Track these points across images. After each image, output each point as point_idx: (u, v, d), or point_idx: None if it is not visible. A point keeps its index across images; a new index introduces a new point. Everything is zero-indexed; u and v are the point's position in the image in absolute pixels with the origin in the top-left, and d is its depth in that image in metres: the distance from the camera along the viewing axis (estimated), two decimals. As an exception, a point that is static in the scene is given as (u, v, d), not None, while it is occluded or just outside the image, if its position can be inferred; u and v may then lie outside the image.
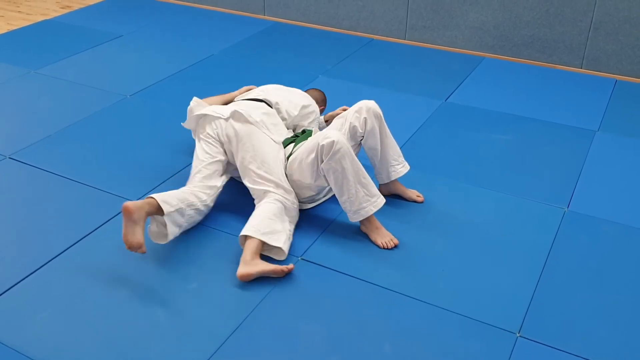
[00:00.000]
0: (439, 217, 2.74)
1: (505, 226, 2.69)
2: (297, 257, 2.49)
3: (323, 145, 2.46)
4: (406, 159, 2.83)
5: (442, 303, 2.27)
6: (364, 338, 2.13)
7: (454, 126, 3.49)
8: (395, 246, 2.53)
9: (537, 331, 2.16)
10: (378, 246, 2.53)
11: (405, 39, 4.67)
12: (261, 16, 5.15)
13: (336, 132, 2.50)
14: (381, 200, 2.56)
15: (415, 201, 2.81)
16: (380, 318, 2.22)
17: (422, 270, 2.43)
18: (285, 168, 2.67)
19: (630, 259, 2.50)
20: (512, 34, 4.30)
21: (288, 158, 2.68)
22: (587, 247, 2.57)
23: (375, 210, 2.54)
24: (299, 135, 2.80)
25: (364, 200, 2.52)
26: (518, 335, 2.15)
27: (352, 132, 2.69)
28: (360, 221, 2.58)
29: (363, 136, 2.69)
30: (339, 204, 2.57)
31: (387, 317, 2.23)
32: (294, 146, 2.72)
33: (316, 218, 2.71)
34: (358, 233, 2.61)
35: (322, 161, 2.49)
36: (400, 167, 2.78)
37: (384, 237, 2.55)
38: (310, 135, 2.80)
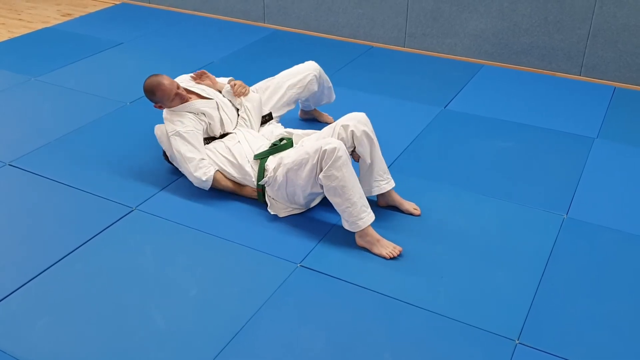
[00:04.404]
0: (438, 224, 2.74)
1: (504, 233, 2.69)
2: (296, 263, 2.49)
3: (325, 150, 2.44)
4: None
5: (442, 310, 2.27)
6: (364, 345, 2.13)
7: (453, 133, 3.49)
8: (400, 253, 2.53)
9: (537, 338, 2.16)
10: (384, 257, 2.52)
11: (404, 47, 4.68)
12: (261, 24, 5.17)
13: (337, 140, 2.50)
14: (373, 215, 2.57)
15: (411, 214, 2.78)
16: (380, 325, 2.22)
17: (421, 277, 2.43)
18: (269, 173, 2.69)
19: (629, 266, 2.50)
20: (511, 41, 4.32)
21: (262, 167, 2.71)
22: (586, 254, 2.57)
23: (372, 220, 2.54)
24: (277, 144, 2.81)
25: (362, 211, 2.51)
26: (517, 342, 2.14)
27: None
28: (359, 235, 2.56)
29: (353, 147, 2.66)
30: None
31: (387, 324, 2.23)
32: (268, 154, 2.75)
33: (315, 225, 2.71)
34: (357, 240, 2.62)
35: (322, 169, 2.48)
36: (384, 184, 2.73)
37: (387, 247, 2.54)
38: (291, 145, 2.80)
